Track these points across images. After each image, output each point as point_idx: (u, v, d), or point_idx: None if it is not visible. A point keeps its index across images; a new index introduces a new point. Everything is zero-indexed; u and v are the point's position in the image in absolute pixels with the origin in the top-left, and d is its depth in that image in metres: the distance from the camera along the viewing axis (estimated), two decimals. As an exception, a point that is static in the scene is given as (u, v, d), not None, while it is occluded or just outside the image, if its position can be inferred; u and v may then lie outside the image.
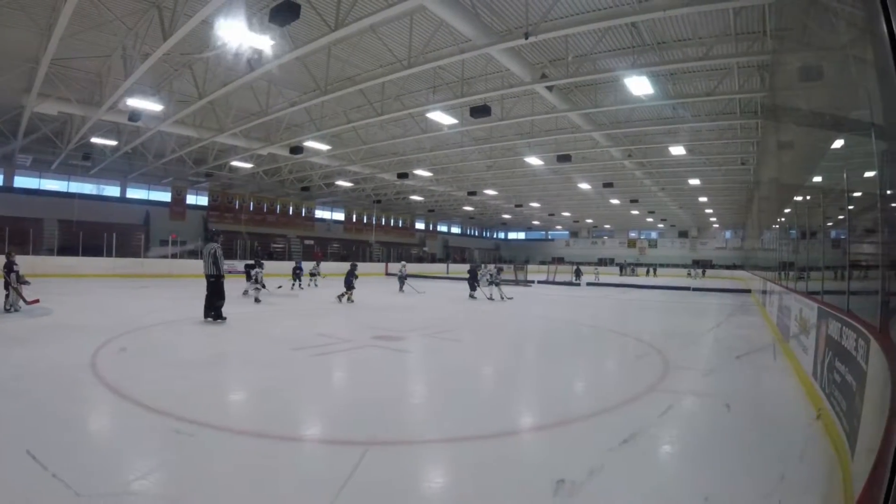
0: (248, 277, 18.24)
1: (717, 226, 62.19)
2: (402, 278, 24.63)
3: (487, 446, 4.60)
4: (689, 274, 53.55)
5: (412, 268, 45.85)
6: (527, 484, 3.84)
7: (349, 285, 17.88)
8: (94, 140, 24.07)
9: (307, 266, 25.13)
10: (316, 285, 24.63)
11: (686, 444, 5.00)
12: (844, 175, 5.55)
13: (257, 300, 16.80)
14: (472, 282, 21.47)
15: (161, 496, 3.45)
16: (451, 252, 65.28)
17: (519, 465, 4.25)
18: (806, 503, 3.76)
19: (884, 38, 1.40)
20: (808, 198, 8.85)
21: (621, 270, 56.47)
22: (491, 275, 21.90)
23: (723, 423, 5.62)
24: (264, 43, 12.58)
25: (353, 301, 17.53)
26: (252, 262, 19.14)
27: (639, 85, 14.56)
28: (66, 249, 27.64)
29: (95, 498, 3.32)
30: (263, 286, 17.66)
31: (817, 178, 8.38)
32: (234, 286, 15.46)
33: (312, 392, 6.51)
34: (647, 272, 56.58)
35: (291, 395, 6.18)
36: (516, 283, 31.04)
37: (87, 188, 34.07)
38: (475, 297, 20.70)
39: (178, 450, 4.27)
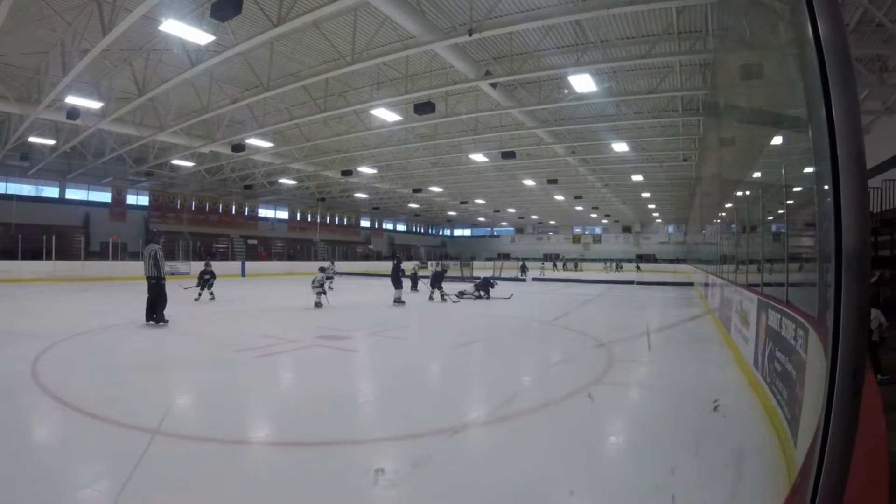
0: (200, 284, 17.52)
1: (659, 221, 63.77)
2: (416, 278, 24.22)
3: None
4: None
5: (359, 266, 45.84)
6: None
7: (439, 285, 19.00)
8: (32, 139, 23.23)
9: (312, 267, 23.24)
10: (331, 288, 21.27)
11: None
12: (783, 171, 5.69)
13: (318, 304, 15.83)
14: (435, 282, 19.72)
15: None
16: (396, 250, 64.92)
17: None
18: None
19: (810, 41, 1.40)
20: (748, 193, 9.08)
21: (554, 266, 56.07)
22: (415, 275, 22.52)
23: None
24: (205, 38, 12.21)
25: (445, 300, 18.43)
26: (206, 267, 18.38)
27: (582, 82, 14.74)
28: (4, 253, 26.70)
29: None
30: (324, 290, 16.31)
31: (757, 174, 8.59)
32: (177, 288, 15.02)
33: (256, 394, 6.37)
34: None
35: (235, 398, 6.04)
36: (462, 279, 30.91)
37: (26, 189, 32.53)
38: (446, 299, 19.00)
39: (120, 456, 4.09)
